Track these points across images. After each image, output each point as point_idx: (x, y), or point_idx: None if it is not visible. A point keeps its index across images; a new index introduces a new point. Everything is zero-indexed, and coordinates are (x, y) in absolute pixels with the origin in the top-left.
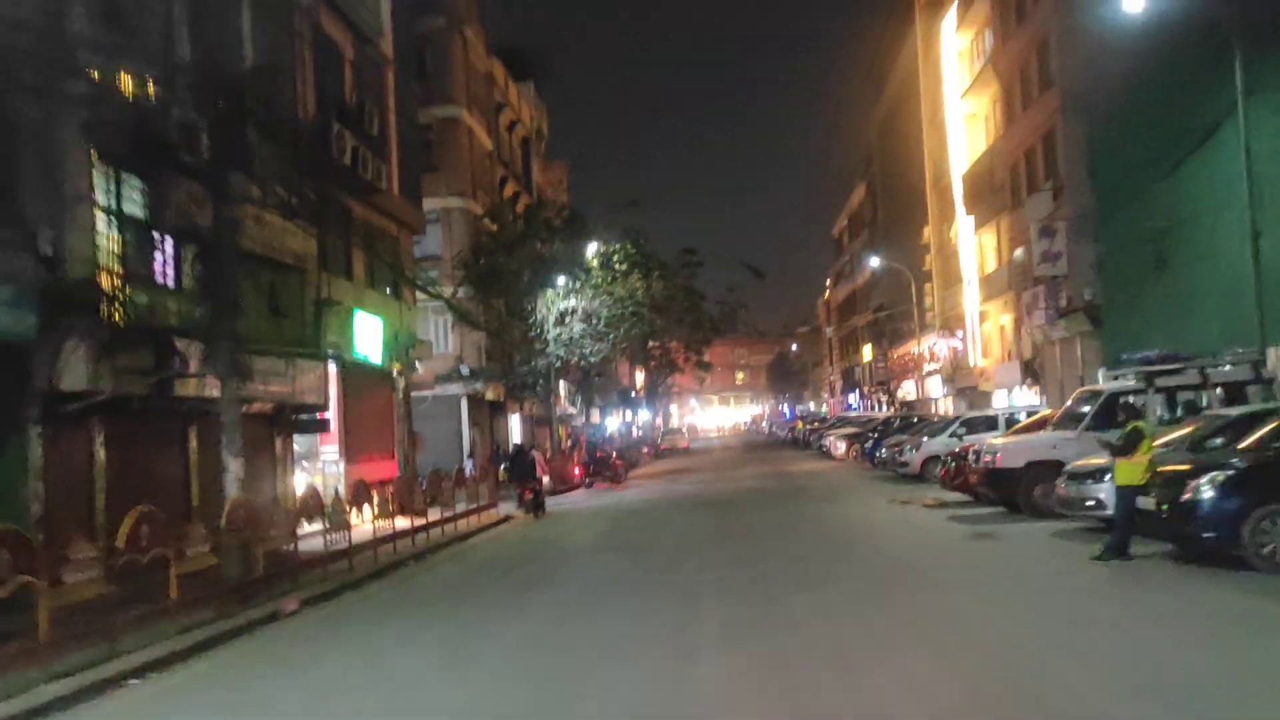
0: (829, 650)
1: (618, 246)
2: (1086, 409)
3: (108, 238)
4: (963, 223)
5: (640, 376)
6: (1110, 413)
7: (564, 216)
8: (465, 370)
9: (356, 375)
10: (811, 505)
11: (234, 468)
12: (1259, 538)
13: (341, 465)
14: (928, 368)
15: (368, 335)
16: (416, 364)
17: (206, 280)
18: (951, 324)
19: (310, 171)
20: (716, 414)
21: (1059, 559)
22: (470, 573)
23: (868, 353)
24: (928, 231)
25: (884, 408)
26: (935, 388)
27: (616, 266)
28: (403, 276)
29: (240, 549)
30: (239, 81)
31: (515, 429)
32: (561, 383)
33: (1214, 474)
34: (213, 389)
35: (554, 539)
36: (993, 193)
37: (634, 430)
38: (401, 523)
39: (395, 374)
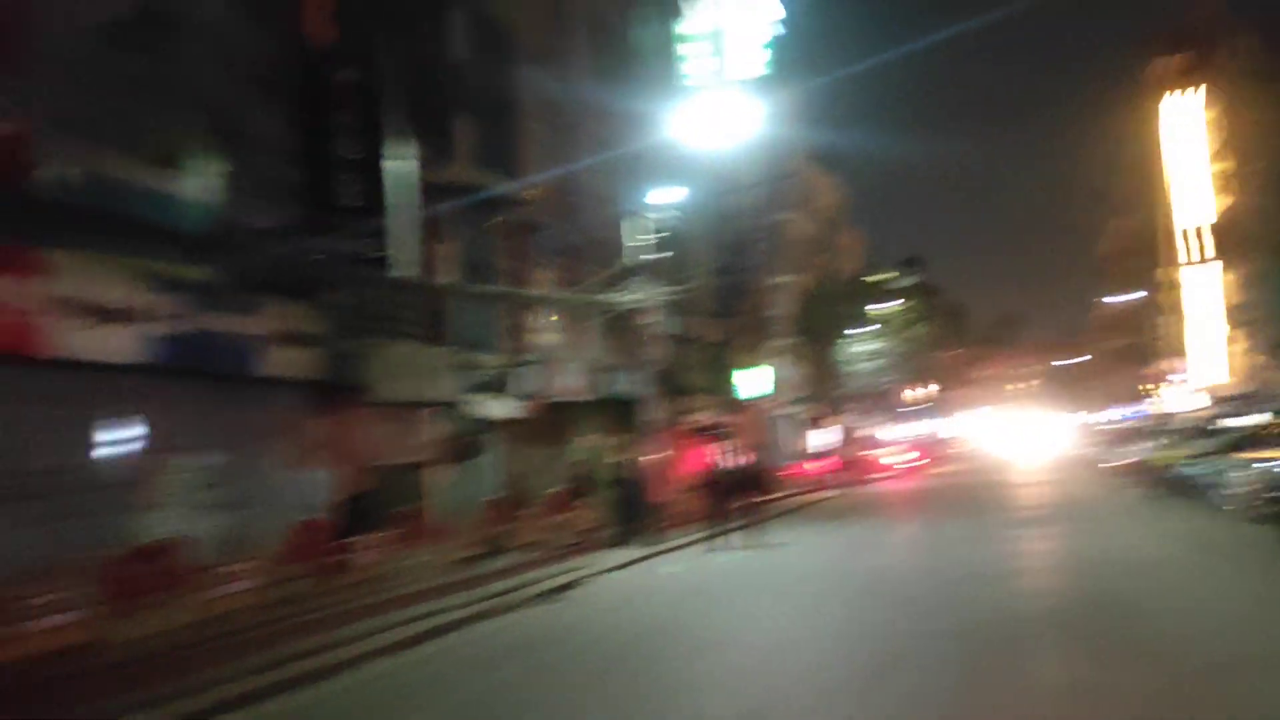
0: (1028, 528)
1: (904, 305)
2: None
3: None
4: (1197, 268)
5: (919, 391)
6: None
7: (863, 283)
8: (798, 396)
9: (745, 403)
10: (1046, 486)
11: (731, 453)
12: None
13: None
14: (1174, 381)
15: (751, 380)
16: (776, 395)
17: (717, 370)
18: (1182, 350)
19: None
20: (998, 423)
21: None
22: (840, 510)
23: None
24: (1160, 273)
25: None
26: (1185, 399)
27: (907, 318)
28: (768, 345)
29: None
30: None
31: (827, 438)
32: (859, 400)
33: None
34: (699, 415)
35: (884, 498)
36: (1234, 245)
37: (921, 439)
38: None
39: (763, 401)
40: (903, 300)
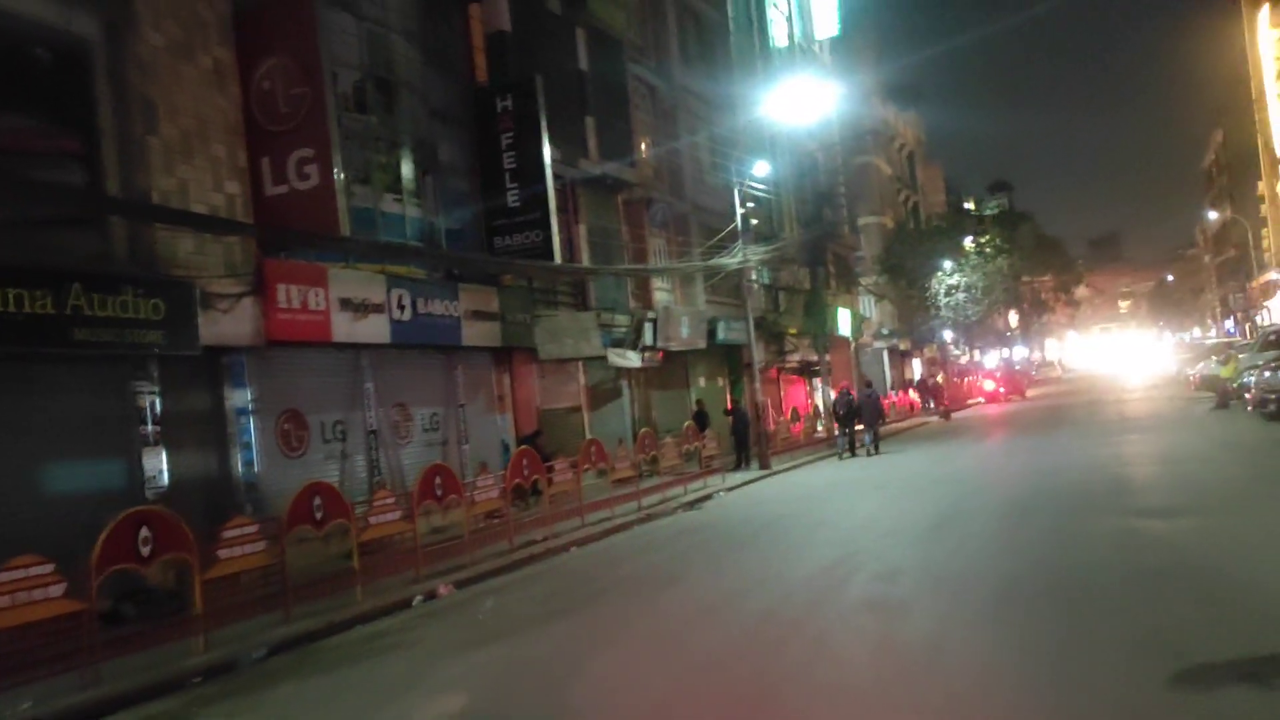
0: (1092, 439)
1: (987, 238)
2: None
3: (774, 303)
4: None
5: (1014, 318)
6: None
7: (947, 215)
8: (885, 331)
9: (835, 341)
10: (1128, 404)
11: (821, 390)
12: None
13: (828, 391)
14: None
15: (842, 319)
16: (863, 332)
17: (808, 313)
18: None
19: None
20: (1098, 344)
21: (1199, 408)
22: (935, 432)
23: (1234, 284)
24: (1262, 185)
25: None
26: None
27: (988, 251)
28: (854, 285)
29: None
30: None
31: (917, 369)
32: (948, 332)
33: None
34: (795, 356)
35: (967, 425)
36: None
37: (1010, 366)
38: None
39: (851, 338)
40: (988, 229)
